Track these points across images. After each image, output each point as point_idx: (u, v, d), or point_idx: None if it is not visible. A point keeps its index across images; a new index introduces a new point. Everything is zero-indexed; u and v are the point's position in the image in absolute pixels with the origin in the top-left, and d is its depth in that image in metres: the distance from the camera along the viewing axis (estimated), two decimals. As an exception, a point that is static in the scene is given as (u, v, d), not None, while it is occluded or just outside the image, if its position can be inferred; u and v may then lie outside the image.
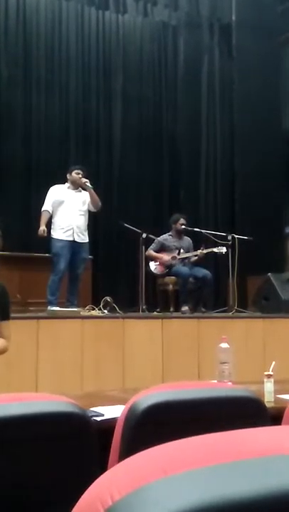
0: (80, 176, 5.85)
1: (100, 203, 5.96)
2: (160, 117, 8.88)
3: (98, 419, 1.83)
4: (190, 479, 0.52)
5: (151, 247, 6.51)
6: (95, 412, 1.92)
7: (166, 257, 6.47)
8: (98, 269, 7.55)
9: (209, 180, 8.99)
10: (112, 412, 1.87)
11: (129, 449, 1.33)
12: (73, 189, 5.89)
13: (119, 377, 4.86)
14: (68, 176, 5.92)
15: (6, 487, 1.21)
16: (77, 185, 5.88)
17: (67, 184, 5.91)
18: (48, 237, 5.78)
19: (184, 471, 0.53)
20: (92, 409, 1.95)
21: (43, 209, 5.85)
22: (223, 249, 6.28)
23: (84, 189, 5.88)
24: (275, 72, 8.73)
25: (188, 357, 5.19)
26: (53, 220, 5.81)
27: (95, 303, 5.82)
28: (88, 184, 5.80)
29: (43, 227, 5.75)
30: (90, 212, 5.98)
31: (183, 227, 6.63)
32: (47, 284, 5.66)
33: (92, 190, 5.83)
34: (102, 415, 1.88)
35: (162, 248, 6.54)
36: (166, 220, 7.06)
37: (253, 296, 6.93)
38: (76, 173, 5.87)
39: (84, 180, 5.82)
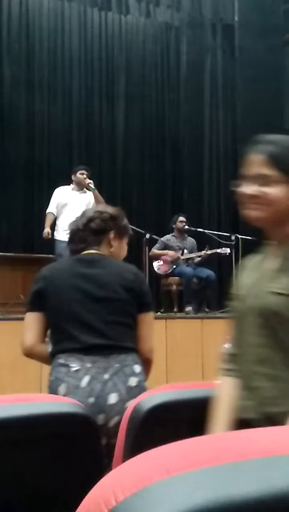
0: (85, 176, 5.83)
1: (104, 204, 5.95)
2: (163, 118, 8.88)
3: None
4: (194, 479, 0.52)
5: (154, 247, 6.51)
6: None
7: (171, 252, 6.46)
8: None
9: (212, 180, 8.98)
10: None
11: (133, 449, 1.34)
12: (78, 190, 5.88)
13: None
14: (73, 176, 5.90)
15: (11, 487, 1.21)
16: (82, 186, 5.86)
17: (72, 185, 5.91)
18: (52, 239, 5.78)
19: (187, 472, 0.54)
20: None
21: (47, 211, 5.86)
22: (227, 251, 6.28)
23: (88, 190, 5.88)
24: (277, 72, 8.71)
25: (191, 357, 5.19)
26: (57, 222, 5.82)
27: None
28: (91, 186, 5.79)
29: (47, 230, 5.76)
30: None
31: (184, 225, 6.62)
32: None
33: (96, 192, 5.82)
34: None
35: (166, 248, 6.54)
36: (169, 221, 7.05)
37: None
38: (80, 174, 5.84)
39: (88, 181, 5.80)
